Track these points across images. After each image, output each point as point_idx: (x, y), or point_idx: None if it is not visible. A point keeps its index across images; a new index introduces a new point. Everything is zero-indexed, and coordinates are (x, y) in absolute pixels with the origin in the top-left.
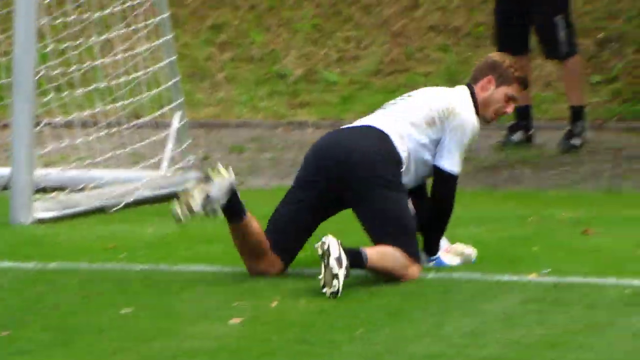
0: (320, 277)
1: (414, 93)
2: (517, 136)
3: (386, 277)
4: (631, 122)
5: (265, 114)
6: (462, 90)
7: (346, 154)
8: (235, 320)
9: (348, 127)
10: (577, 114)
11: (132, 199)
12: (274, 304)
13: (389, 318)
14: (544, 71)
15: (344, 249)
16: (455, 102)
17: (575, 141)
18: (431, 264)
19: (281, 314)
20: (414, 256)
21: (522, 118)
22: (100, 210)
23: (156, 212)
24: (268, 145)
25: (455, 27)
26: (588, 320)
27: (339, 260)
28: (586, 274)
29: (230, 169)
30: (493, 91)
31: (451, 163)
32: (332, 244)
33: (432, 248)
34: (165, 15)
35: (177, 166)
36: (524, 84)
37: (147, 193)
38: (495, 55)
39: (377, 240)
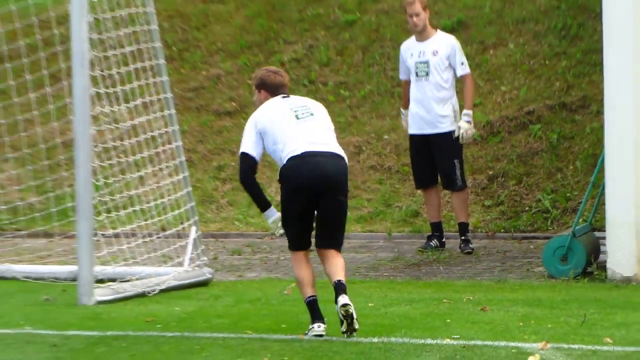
0: (344, 328)
1: (308, 106)
2: (434, 243)
3: None
4: (513, 233)
5: (255, 227)
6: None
7: (328, 174)
8: None
9: (321, 154)
10: (465, 227)
11: (164, 287)
12: (265, 358)
13: None
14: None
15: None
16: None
17: (471, 246)
18: None
19: None
20: None
21: (436, 230)
22: (142, 295)
23: (181, 296)
24: (258, 249)
25: (388, 166)
26: None
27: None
28: (484, 339)
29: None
30: None
31: None
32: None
33: None
34: (182, 159)
35: (194, 264)
36: None
37: (174, 283)
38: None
39: (330, 237)
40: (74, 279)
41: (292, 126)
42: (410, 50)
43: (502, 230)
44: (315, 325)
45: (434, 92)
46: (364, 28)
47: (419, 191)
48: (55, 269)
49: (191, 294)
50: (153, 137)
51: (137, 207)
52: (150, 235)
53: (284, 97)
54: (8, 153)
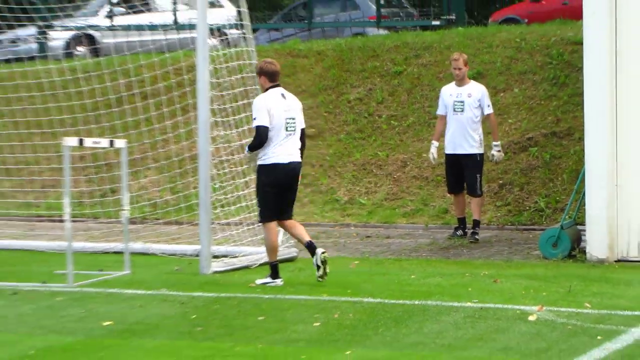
0: (320, 273)
1: (295, 120)
2: (459, 232)
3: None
4: (517, 225)
5: (329, 219)
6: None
7: (297, 175)
8: (316, 324)
9: (295, 163)
10: (477, 223)
11: (262, 262)
12: (336, 315)
13: (396, 323)
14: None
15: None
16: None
17: (476, 237)
18: None
19: (340, 320)
20: None
21: (461, 223)
22: (246, 267)
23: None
24: (330, 236)
25: (426, 176)
26: (497, 326)
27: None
28: (496, 303)
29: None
30: None
31: None
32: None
33: None
34: None
35: (284, 245)
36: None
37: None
38: (275, 65)
39: (290, 211)
40: (197, 255)
41: (282, 136)
42: (450, 92)
43: (509, 224)
44: (279, 280)
45: (465, 124)
46: (409, 76)
47: (448, 195)
48: (184, 248)
49: (282, 267)
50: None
51: (243, 204)
52: (252, 224)
53: (282, 94)
54: (150, 163)
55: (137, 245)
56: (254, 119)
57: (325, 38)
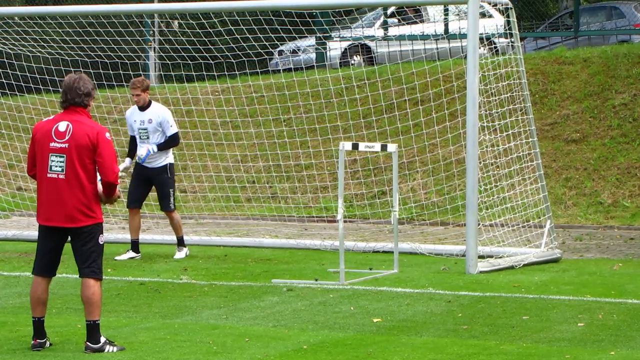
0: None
1: None
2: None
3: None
4: None
5: (592, 222)
6: None
7: None
8: (580, 324)
9: None
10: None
11: (526, 262)
12: (600, 315)
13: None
14: None
15: None
16: None
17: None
18: None
19: (604, 321)
20: None
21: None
22: (510, 267)
23: (538, 269)
24: (593, 237)
25: None
26: None
27: None
28: None
29: None
30: None
31: None
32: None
33: None
34: (541, 172)
35: (548, 247)
36: None
37: (533, 259)
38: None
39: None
40: (463, 255)
41: None
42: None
43: None
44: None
45: None
46: None
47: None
48: (450, 248)
49: (545, 267)
50: (519, 157)
51: (507, 205)
52: (516, 225)
53: None
54: (418, 167)
55: (406, 245)
56: (171, 126)
57: (591, 45)
